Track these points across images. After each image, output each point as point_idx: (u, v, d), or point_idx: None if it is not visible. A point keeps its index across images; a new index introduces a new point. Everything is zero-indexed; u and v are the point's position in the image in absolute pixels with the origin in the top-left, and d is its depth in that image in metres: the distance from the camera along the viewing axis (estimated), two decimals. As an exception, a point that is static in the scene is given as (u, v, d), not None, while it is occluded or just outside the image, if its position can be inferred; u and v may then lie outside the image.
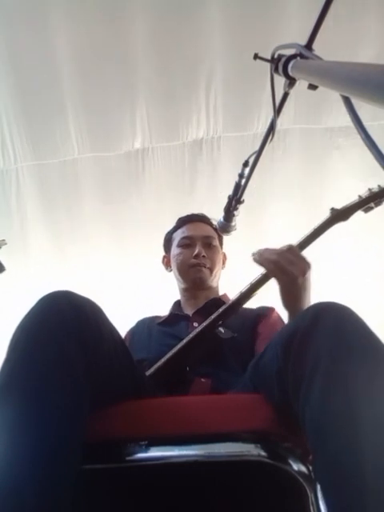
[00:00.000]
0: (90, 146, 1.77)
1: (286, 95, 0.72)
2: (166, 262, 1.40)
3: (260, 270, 1.03)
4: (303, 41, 0.57)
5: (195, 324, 1.16)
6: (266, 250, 0.97)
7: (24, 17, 1.46)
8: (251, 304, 1.09)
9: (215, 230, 1.29)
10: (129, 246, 1.98)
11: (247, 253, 1.00)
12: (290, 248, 0.96)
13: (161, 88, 1.65)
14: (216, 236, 1.33)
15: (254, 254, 0.97)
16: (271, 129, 0.79)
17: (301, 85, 0.59)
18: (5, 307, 1.86)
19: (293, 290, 0.92)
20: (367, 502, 0.46)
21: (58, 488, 0.53)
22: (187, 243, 1.30)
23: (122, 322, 1.08)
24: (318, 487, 0.58)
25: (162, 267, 1.43)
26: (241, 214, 1.08)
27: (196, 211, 1.41)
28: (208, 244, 1.30)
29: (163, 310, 1.37)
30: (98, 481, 0.68)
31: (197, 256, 1.25)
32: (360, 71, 0.35)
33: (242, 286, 1.06)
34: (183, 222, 1.37)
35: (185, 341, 1.02)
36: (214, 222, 1.28)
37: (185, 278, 1.29)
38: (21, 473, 0.52)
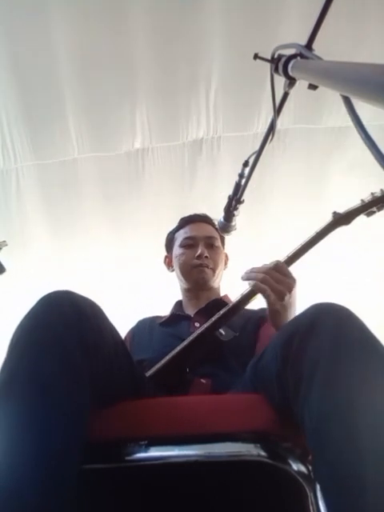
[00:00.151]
0: (90, 146, 1.77)
1: (286, 95, 0.72)
2: (168, 262, 1.40)
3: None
4: (303, 41, 0.57)
5: (197, 324, 1.16)
6: (253, 268, 0.98)
7: (23, 17, 1.45)
8: (253, 305, 1.09)
9: (217, 230, 1.29)
10: (129, 246, 1.98)
11: (248, 253, 1.01)
12: (276, 265, 0.97)
13: (161, 88, 1.65)
14: (218, 236, 1.33)
15: (242, 275, 0.99)
16: (271, 129, 0.79)
17: (301, 85, 0.59)
18: (5, 307, 1.86)
19: (280, 308, 0.93)
20: (367, 501, 0.46)
21: (60, 488, 0.53)
22: (190, 243, 1.30)
23: (122, 322, 1.08)
24: (318, 487, 0.58)
25: (162, 267, 1.43)
26: (241, 214, 1.08)
27: (196, 211, 1.41)
28: (210, 244, 1.30)
29: (163, 310, 1.37)
30: (98, 481, 0.68)
31: (199, 256, 1.25)
32: (360, 71, 0.35)
33: (243, 287, 1.06)
34: (186, 222, 1.37)
35: (185, 342, 1.02)
36: (215, 222, 1.28)
37: (187, 279, 1.28)
38: (22, 473, 0.52)
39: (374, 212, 1.13)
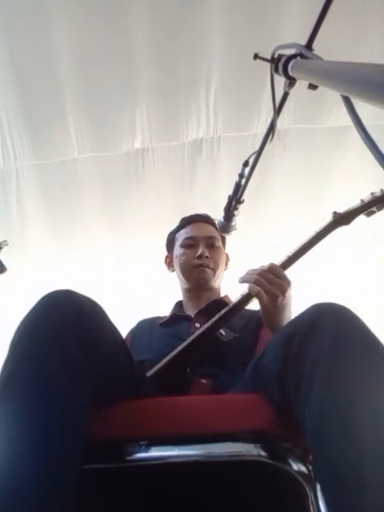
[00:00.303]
0: (90, 146, 1.77)
1: (286, 95, 0.72)
2: (169, 262, 1.40)
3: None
4: (303, 41, 0.57)
5: (197, 325, 1.16)
6: (249, 270, 0.98)
7: (23, 17, 1.45)
8: (254, 306, 1.09)
9: (218, 230, 1.29)
10: (129, 245, 1.98)
11: (248, 253, 1.01)
12: (270, 267, 0.97)
13: (161, 88, 1.65)
14: (219, 237, 1.33)
15: (239, 278, 1.00)
16: (271, 129, 0.79)
17: (301, 85, 0.59)
18: (5, 307, 1.86)
19: (272, 310, 0.93)
20: (367, 501, 0.46)
21: (60, 488, 0.54)
22: (190, 243, 1.30)
23: (123, 322, 1.08)
24: (318, 487, 0.58)
25: (163, 267, 1.43)
26: (241, 214, 1.08)
27: (196, 211, 1.41)
28: (211, 244, 1.30)
29: (163, 310, 1.37)
30: (98, 481, 0.68)
31: (200, 256, 1.25)
32: (360, 71, 0.35)
33: (244, 288, 1.06)
34: (186, 222, 1.37)
35: (185, 343, 1.02)
36: (215, 222, 1.28)
37: (188, 279, 1.28)
38: (22, 473, 0.52)
39: (373, 212, 1.13)
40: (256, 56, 0.65)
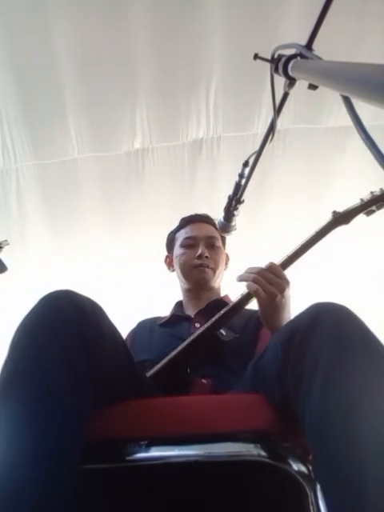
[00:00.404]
0: (90, 146, 1.77)
1: (286, 95, 0.72)
2: (169, 262, 1.40)
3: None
4: (303, 41, 0.57)
5: (197, 325, 1.16)
6: (248, 269, 0.98)
7: (23, 16, 1.45)
8: (254, 305, 1.09)
9: (218, 230, 1.29)
10: (129, 245, 1.98)
11: (248, 253, 1.01)
12: (269, 266, 0.97)
13: (161, 88, 1.65)
14: (219, 236, 1.33)
15: (237, 277, 1.00)
16: (271, 129, 0.79)
17: (301, 85, 0.59)
18: (5, 307, 1.86)
19: (270, 309, 0.93)
20: (367, 501, 0.46)
21: (59, 488, 0.54)
22: (190, 243, 1.30)
23: (123, 322, 1.08)
24: (318, 487, 0.58)
25: (163, 267, 1.43)
26: (241, 214, 1.08)
27: (196, 211, 1.41)
28: (211, 244, 1.30)
29: (164, 310, 1.37)
30: (98, 481, 0.68)
31: (200, 256, 1.25)
32: (360, 71, 0.35)
33: (244, 288, 1.06)
34: (186, 222, 1.37)
35: (185, 343, 1.02)
36: (215, 222, 1.28)
37: (188, 279, 1.28)
38: (22, 473, 0.52)
39: (373, 211, 1.13)
40: (256, 56, 0.65)
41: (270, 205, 1.88)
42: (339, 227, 1.13)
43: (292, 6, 1.43)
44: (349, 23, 1.44)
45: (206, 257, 1.25)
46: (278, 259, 1.07)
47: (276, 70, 0.59)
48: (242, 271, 1.00)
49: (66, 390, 0.60)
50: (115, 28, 1.49)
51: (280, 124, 0.78)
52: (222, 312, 1.05)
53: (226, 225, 1.10)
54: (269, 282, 0.94)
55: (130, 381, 0.82)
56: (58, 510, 0.53)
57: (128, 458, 0.67)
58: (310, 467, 0.62)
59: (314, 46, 0.57)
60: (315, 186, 1.84)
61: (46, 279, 1.95)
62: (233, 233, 1.13)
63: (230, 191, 1.03)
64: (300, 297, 1.04)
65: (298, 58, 0.55)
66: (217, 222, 1.15)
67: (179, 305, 1.35)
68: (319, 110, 1.69)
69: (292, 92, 0.66)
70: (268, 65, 0.62)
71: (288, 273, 1.01)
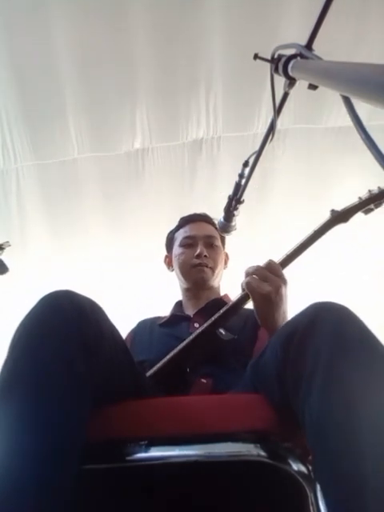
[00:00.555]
0: (90, 146, 1.77)
1: (286, 95, 0.72)
2: (168, 262, 1.40)
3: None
4: (303, 41, 0.57)
5: (196, 325, 1.16)
6: (248, 267, 0.98)
7: (23, 16, 1.45)
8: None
9: (217, 229, 1.29)
10: (129, 246, 1.98)
11: (248, 253, 1.01)
12: (268, 263, 0.97)
13: (161, 88, 1.65)
14: (218, 236, 1.33)
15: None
16: (271, 129, 0.79)
17: (301, 85, 0.59)
18: (5, 307, 1.86)
19: (264, 306, 0.93)
20: (367, 501, 0.46)
21: (59, 488, 0.54)
22: (189, 243, 1.30)
23: (123, 322, 1.08)
24: (318, 487, 0.58)
25: (163, 267, 1.43)
26: (241, 214, 1.08)
27: (196, 211, 1.41)
28: (210, 244, 1.30)
29: (164, 310, 1.37)
30: (98, 481, 0.68)
31: (198, 256, 1.25)
32: (360, 71, 0.35)
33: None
34: (185, 221, 1.37)
35: (184, 342, 1.02)
36: (215, 222, 1.28)
37: (187, 278, 1.28)
38: (22, 472, 0.52)
39: (371, 209, 1.12)
40: (256, 56, 0.65)
41: (269, 205, 1.88)
42: (338, 226, 1.13)
43: (292, 6, 1.43)
44: (349, 23, 1.45)
45: (205, 256, 1.25)
46: (277, 259, 1.07)
47: (276, 69, 0.59)
48: (241, 271, 1.00)
49: (66, 390, 0.60)
50: (115, 28, 1.49)
51: (280, 124, 0.78)
52: (220, 311, 1.05)
53: (226, 225, 1.10)
54: (263, 279, 0.94)
55: (130, 381, 0.82)
56: (58, 510, 0.53)
57: (128, 457, 0.67)
58: (310, 467, 0.62)
59: (314, 45, 0.57)
60: (315, 185, 1.84)
61: (46, 279, 1.95)
62: (233, 233, 1.13)
63: (230, 191, 1.03)
64: (298, 295, 1.04)
65: (298, 58, 0.55)
66: (217, 222, 1.15)
67: (179, 304, 1.35)
68: (319, 110, 1.69)
69: (292, 92, 0.66)
70: (268, 65, 0.62)
71: (286, 272, 1.01)
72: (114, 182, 1.87)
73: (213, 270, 1.27)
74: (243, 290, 1.00)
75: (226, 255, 1.41)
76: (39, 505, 0.51)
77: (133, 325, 1.33)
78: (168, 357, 1.01)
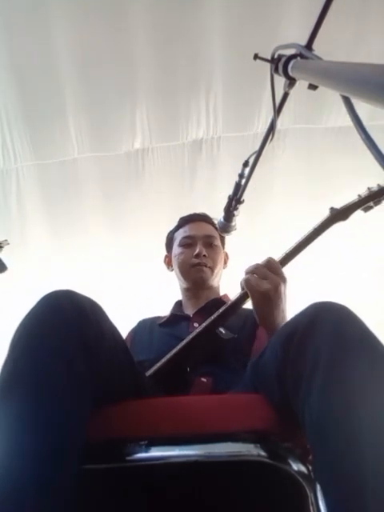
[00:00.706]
0: (90, 146, 1.77)
1: (286, 95, 0.72)
2: (168, 262, 1.40)
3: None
4: (303, 41, 0.57)
5: (195, 324, 1.16)
6: (248, 267, 0.98)
7: (23, 16, 1.45)
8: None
9: (217, 229, 1.29)
10: (129, 245, 1.98)
11: (248, 253, 1.01)
12: (267, 261, 0.97)
13: (161, 88, 1.65)
14: (217, 235, 1.33)
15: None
16: (271, 129, 0.79)
17: (301, 85, 0.59)
18: (5, 307, 1.86)
19: (263, 304, 0.93)
20: (367, 501, 0.46)
21: (59, 488, 0.54)
22: (188, 242, 1.30)
23: (123, 322, 1.08)
24: (318, 487, 0.58)
25: (163, 267, 1.43)
26: (241, 214, 1.08)
27: (196, 211, 1.41)
28: (209, 243, 1.30)
29: (163, 310, 1.37)
30: (98, 481, 0.68)
31: (197, 255, 1.25)
32: (360, 71, 0.35)
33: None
34: (185, 221, 1.37)
35: (184, 342, 1.02)
36: (215, 222, 1.28)
37: (186, 278, 1.29)
38: (22, 472, 0.52)
39: (371, 207, 1.12)
40: (256, 56, 0.65)
41: (270, 205, 1.88)
42: (337, 224, 1.13)
43: (292, 6, 1.43)
44: (349, 23, 1.45)
45: (204, 255, 1.25)
46: (277, 257, 1.07)
47: (276, 70, 0.59)
48: (242, 271, 1.00)
49: (66, 390, 0.60)
50: (115, 28, 1.49)
51: (280, 124, 0.78)
52: (220, 310, 1.05)
53: (226, 225, 1.10)
54: (263, 277, 0.94)
55: (130, 380, 0.82)
56: (58, 510, 0.53)
57: (128, 458, 0.67)
58: (310, 467, 0.62)
59: (314, 45, 0.57)
60: (315, 185, 1.84)
61: (46, 279, 1.95)
62: (233, 233, 1.13)
63: (230, 191, 1.03)
64: (298, 293, 1.04)
65: (298, 58, 0.55)
66: (217, 222, 1.15)
67: (179, 304, 1.35)
68: (319, 110, 1.69)
69: (292, 92, 0.66)
70: (268, 65, 0.62)
71: (286, 270, 1.01)
72: (114, 182, 1.87)
73: (212, 269, 1.27)
74: (242, 288, 1.00)
75: (226, 255, 1.41)
76: (39, 505, 0.51)
77: (133, 325, 1.33)
78: (168, 356, 1.01)
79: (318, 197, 1.81)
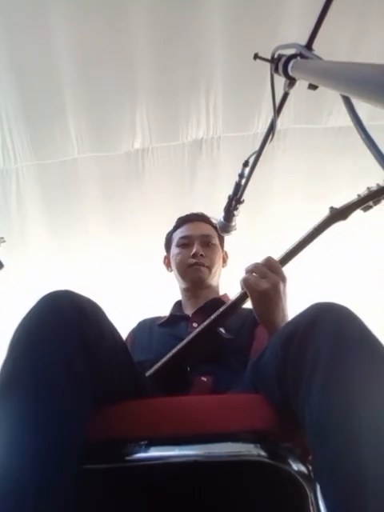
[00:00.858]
0: (90, 146, 1.77)
1: (286, 95, 0.72)
2: (167, 262, 1.40)
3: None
4: (303, 41, 0.57)
5: (195, 324, 1.16)
6: (247, 266, 0.98)
7: (23, 16, 1.45)
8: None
9: (215, 228, 1.29)
10: (129, 245, 1.98)
11: (248, 253, 1.01)
12: (267, 260, 0.97)
13: (161, 88, 1.65)
14: (215, 235, 1.33)
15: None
16: (271, 129, 0.79)
17: (301, 85, 0.59)
18: (5, 307, 1.86)
19: (262, 302, 0.93)
20: (367, 501, 0.46)
21: (59, 488, 0.54)
22: (185, 243, 1.30)
23: (123, 322, 1.08)
24: (318, 487, 0.58)
25: (162, 267, 1.43)
26: (241, 214, 1.08)
27: (196, 211, 1.41)
28: (207, 243, 1.30)
29: (163, 310, 1.37)
30: (98, 481, 0.68)
31: (195, 255, 1.25)
32: (360, 71, 0.35)
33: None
34: (182, 221, 1.37)
35: (184, 342, 1.02)
36: (214, 221, 1.28)
37: (184, 278, 1.29)
38: (22, 473, 0.52)
39: (370, 206, 1.12)
40: (256, 56, 0.65)
41: (269, 205, 1.88)
42: (337, 223, 1.13)
43: (292, 6, 1.43)
44: (349, 23, 1.44)
45: (201, 255, 1.25)
46: (276, 257, 1.07)
47: (276, 69, 0.59)
48: (241, 271, 1.00)
49: (66, 390, 0.60)
50: (115, 28, 1.49)
51: (280, 124, 0.78)
52: (219, 310, 1.05)
53: (226, 225, 1.10)
54: (262, 276, 0.93)
55: (130, 380, 0.82)
56: (58, 510, 0.53)
57: (128, 458, 0.67)
58: (310, 467, 0.62)
59: (314, 46, 0.57)
60: (315, 185, 1.84)
61: (46, 279, 1.95)
62: (233, 233, 1.13)
63: (230, 191, 1.03)
64: (298, 293, 1.04)
65: (298, 57, 0.55)
66: (217, 222, 1.15)
67: (178, 304, 1.35)
68: (319, 110, 1.69)
69: (292, 92, 0.66)
70: (268, 65, 0.62)
71: (286, 270, 1.01)
72: (114, 182, 1.87)
73: (210, 268, 1.27)
74: (242, 287, 1.00)
75: (225, 254, 1.40)
76: (39, 505, 0.51)
77: (133, 325, 1.33)
78: (167, 356, 1.01)
79: (318, 197, 1.81)
